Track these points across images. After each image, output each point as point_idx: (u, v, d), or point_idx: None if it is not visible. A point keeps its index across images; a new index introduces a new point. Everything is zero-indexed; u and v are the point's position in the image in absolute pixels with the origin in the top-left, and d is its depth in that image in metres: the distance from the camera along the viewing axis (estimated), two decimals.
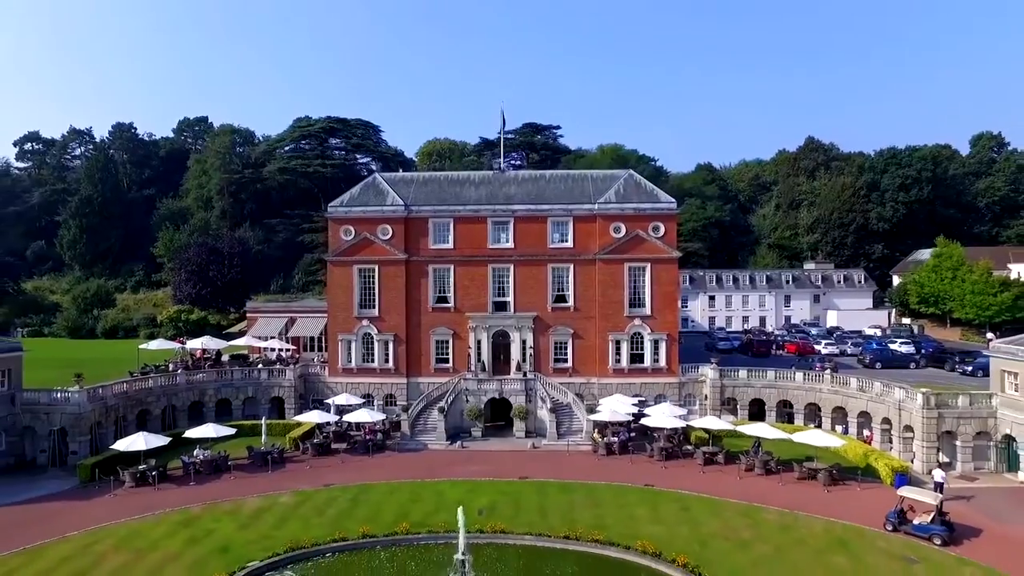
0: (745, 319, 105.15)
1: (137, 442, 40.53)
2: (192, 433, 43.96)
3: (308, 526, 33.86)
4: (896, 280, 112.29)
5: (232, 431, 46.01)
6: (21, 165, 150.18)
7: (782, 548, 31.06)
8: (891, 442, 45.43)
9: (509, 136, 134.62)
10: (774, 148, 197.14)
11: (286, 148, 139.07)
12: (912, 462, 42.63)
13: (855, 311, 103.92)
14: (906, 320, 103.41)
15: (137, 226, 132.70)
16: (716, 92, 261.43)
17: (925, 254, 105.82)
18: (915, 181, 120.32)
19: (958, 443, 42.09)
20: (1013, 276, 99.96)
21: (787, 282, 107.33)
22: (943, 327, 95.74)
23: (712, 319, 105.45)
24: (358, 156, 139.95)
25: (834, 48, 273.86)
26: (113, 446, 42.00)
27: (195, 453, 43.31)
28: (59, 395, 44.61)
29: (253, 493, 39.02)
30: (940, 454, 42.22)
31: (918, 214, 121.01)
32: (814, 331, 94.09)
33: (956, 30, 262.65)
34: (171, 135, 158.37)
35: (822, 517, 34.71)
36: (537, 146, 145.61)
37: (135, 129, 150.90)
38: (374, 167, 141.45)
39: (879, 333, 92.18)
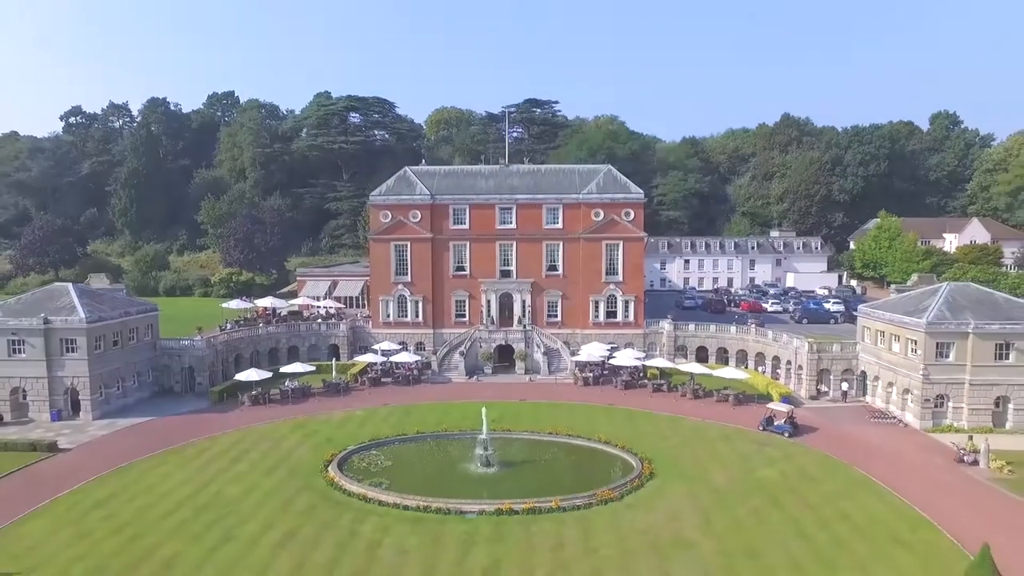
0: (715, 280, 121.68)
1: (251, 375, 57.61)
2: (287, 368, 61.16)
3: (379, 428, 51.07)
4: (853, 246, 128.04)
5: (313, 368, 63.16)
6: (68, 138, 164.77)
7: (688, 440, 48.17)
8: (790, 377, 62.44)
9: (511, 111, 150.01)
10: (758, 119, 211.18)
11: (310, 122, 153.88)
12: (801, 391, 59.71)
13: (811, 274, 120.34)
14: (853, 282, 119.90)
15: (177, 194, 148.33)
16: (709, 68, 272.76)
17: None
18: (873, 157, 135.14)
19: (832, 377, 59.05)
20: (945, 245, 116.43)
21: (752, 248, 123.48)
22: (881, 289, 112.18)
23: (686, 280, 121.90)
24: (375, 132, 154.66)
25: (826, 24, 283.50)
26: (236, 377, 59.14)
27: (286, 384, 60.29)
28: (186, 342, 61.61)
29: (335, 409, 56.19)
30: (820, 385, 59.17)
31: (876, 187, 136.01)
32: (772, 291, 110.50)
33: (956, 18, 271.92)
34: (201, 108, 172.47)
35: (721, 423, 51.83)
36: (537, 120, 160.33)
37: (168, 103, 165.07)
38: (389, 139, 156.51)
39: (826, 293, 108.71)
